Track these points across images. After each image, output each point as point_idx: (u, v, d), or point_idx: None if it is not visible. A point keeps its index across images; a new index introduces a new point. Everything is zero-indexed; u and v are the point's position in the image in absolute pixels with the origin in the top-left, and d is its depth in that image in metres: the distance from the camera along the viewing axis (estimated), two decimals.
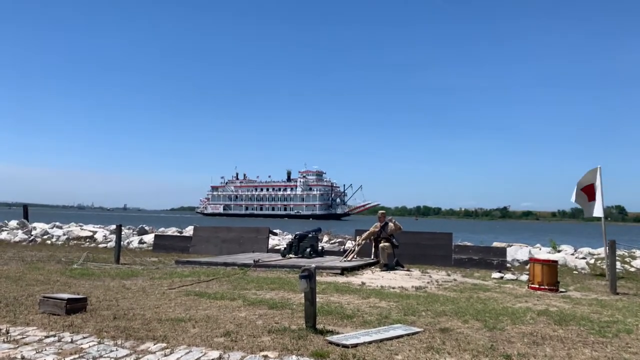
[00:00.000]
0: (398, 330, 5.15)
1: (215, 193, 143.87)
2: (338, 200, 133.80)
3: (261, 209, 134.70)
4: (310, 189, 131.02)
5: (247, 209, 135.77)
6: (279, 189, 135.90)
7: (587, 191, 12.06)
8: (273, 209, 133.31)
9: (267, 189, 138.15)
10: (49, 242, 17.69)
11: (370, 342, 4.61)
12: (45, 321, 5.21)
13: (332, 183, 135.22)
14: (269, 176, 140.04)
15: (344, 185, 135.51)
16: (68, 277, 8.82)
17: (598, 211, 11.66)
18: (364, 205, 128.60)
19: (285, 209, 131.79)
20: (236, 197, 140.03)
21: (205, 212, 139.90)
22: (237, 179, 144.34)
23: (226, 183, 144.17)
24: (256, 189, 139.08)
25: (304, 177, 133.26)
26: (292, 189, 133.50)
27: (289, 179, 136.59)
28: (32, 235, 18.31)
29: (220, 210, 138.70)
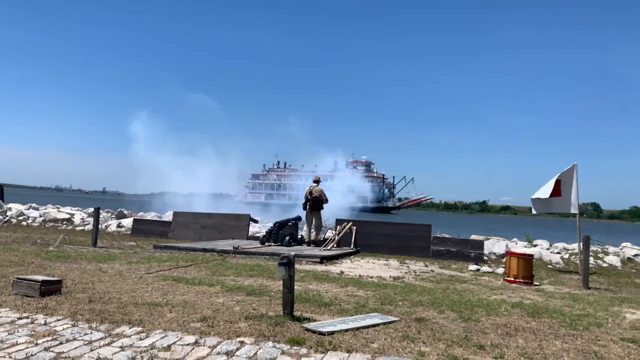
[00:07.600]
0: (374, 319, 5.20)
1: (256, 181, 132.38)
2: (387, 192, 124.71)
3: None
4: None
5: (290, 198, 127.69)
6: (326, 179, 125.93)
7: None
8: None
9: None
10: (24, 223, 17.38)
11: (346, 330, 4.64)
12: (19, 303, 5.14)
13: (382, 175, 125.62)
14: (315, 165, 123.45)
15: (394, 177, 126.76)
16: (43, 259, 8.69)
17: (574, 207, 11.64)
18: (417, 199, 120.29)
19: None
20: (279, 186, 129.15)
21: (245, 200, 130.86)
22: (279, 167, 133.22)
23: (267, 171, 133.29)
24: (301, 179, 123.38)
25: (354, 167, 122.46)
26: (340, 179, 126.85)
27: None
28: (7, 216, 17.96)
29: (262, 199, 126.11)
